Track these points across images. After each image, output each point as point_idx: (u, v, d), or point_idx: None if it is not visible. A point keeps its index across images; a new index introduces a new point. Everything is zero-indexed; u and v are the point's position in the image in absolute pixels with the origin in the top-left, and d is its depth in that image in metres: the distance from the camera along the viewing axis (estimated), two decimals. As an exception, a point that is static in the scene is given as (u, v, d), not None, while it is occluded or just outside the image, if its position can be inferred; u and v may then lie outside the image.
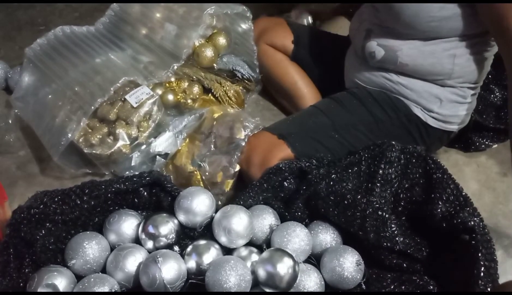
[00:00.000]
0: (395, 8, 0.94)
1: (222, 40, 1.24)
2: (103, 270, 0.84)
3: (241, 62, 1.27)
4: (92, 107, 1.03)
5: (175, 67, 1.16)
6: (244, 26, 1.22)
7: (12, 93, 1.18)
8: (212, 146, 1.06)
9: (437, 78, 0.99)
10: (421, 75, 1.00)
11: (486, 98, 1.23)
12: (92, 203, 0.88)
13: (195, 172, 1.04)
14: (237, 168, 1.03)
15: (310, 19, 1.48)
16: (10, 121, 1.15)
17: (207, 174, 1.03)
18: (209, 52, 1.22)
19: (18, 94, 1.13)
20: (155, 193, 0.92)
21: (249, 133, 1.04)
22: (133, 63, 1.17)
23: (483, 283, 0.71)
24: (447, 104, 1.01)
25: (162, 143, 1.07)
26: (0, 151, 1.12)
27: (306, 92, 1.24)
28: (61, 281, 0.79)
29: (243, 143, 1.03)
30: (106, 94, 1.04)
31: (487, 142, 1.21)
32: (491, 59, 1.02)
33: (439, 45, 0.96)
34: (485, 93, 1.23)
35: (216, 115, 1.11)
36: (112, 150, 1.03)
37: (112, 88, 1.05)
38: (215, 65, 1.26)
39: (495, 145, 1.22)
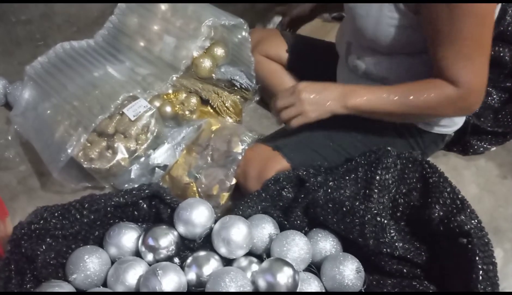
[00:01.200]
0: (357, 23, 0.95)
1: (220, 51, 1.25)
2: (104, 283, 0.84)
3: (239, 72, 1.28)
4: (93, 125, 1.03)
5: (174, 78, 1.17)
6: (241, 37, 1.23)
7: (11, 109, 1.19)
8: (209, 158, 1.07)
9: None
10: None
11: (483, 101, 1.23)
12: (92, 217, 0.89)
13: (191, 184, 1.04)
14: (234, 181, 1.03)
15: (276, 19, 1.48)
16: (9, 138, 1.16)
17: (203, 186, 1.03)
18: (207, 63, 1.23)
19: (18, 111, 1.14)
20: (154, 205, 0.93)
21: (246, 147, 1.05)
22: (132, 75, 1.18)
23: (482, 287, 0.71)
24: None
25: (161, 156, 1.08)
26: (0, 166, 1.13)
27: None
28: None
29: (240, 157, 1.03)
30: (107, 111, 1.05)
31: (485, 145, 1.21)
32: None
33: (416, 59, 0.95)
34: (482, 96, 1.23)
35: (214, 128, 1.11)
36: (111, 164, 1.03)
37: (112, 106, 1.06)
38: (213, 75, 1.26)
39: (494, 148, 1.22)
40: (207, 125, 1.12)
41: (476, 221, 0.78)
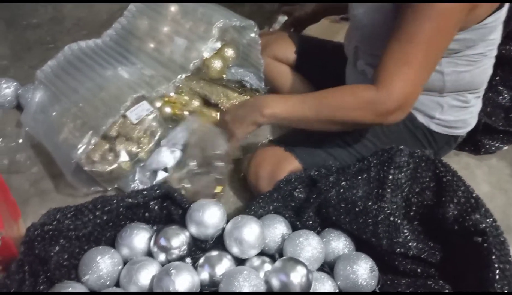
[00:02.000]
0: (363, 32, 0.94)
1: (230, 52, 1.25)
2: (117, 284, 0.84)
3: (248, 73, 1.28)
4: (103, 128, 1.03)
5: (183, 77, 1.17)
6: (250, 38, 1.23)
7: (22, 111, 1.20)
8: (199, 161, 1.04)
9: (432, 91, 0.97)
10: None
11: (494, 100, 1.23)
12: (105, 217, 0.89)
13: (184, 185, 1.02)
14: (217, 189, 1.03)
15: (281, 19, 1.47)
16: (20, 141, 1.16)
17: (192, 189, 1.01)
18: (218, 64, 1.24)
19: (29, 113, 1.14)
20: (165, 207, 0.93)
21: (222, 152, 1.03)
22: (140, 76, 1.18)
23: (499, 286, 0.70)
24: (449, 110, 1.00)
25: (160, 158, 1.07)
26: (12, 169, 1.13)
27: None
28: None
29: (219, 163, 1.02)
30: (116, 114, 1.05)
31: (497, 145, 1.20)
32: (490, 66, 0.98)
33: None
34: (493, 95, 1.22)
35: (194, 126, 1.09)
36: (112, 167, 1.03)
37: (122, 108, 1.06)
38: (224, 76, 1.27)
39: (506, 147, 1.21)
40: (189, 124, 1.11)
41: (491, 219, 0.77)
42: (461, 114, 1.01)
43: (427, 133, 1.02)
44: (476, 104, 1.03)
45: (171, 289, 0.76)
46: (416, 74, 0.81)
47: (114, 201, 0.89)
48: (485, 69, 0.97)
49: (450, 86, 0.95)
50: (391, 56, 0.81)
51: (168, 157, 1.07)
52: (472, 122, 1.05)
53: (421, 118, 1.01)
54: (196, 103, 1.20)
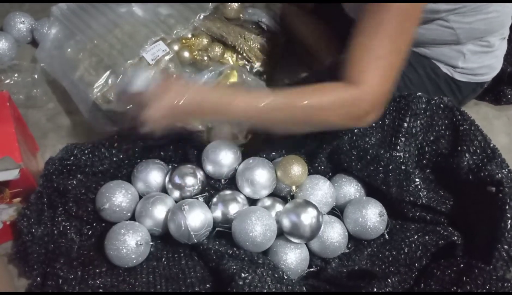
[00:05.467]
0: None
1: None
2: (132, 217, 0.87)
3: (265, 15, 1.25)
4: (122, 69, 1.03)
5: (202, 16, 1.13)
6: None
7: (37, 46, 1.19)
8: None
9: (449, 43, 0.93)
10: (432, 45, 0.95)
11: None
12: (121, 156, 0.90)
13: (202, 133, 1.02)
14: (247, 138, 1.02)
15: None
16: (36, 76, 1.16)
17: (214, 136, 1.01)
18: (235, 4, 1.20)
19: (44, 49, 1.13)
20: (181, 146, 0.94)
21: None
22: (155, 13, 1.15)
23: (510, 235, 0.70)
24: (471, 57, 0.95)
25: None
26: (29, 104, 1.14)
27: (328, 44, 1.21)
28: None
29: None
30: (136, 57, 1.04)
31: (519, 95, 1.17)
32: (506, 4, 0.91)
33: (430, 25, 0.89)
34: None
35: (232, 80, 1.07)
36: (128, 107, 1.03)
37: (141, 50, 1.05)
38: (241, 16, 1.23)
39: (528, 98, 1.18)
40: (224, 76, 1.09)
41: (507, 170, 0.76)
42: (485, 60, 0.97)
43: (451, 83, 0.99)
44: (501, 47, 0.98)
45: (183, 224, 0.79)
46: (390, 67, 0.74)
47: (131, 140, 0.90)
48: (499, 11, 0.90)
49: (465, 37, 0.91)
50: (359, 51, 0.74)
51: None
52: (498, 66, 1.01)
53: (443, 68, 0.97)
54: (218, 49, 1.17)
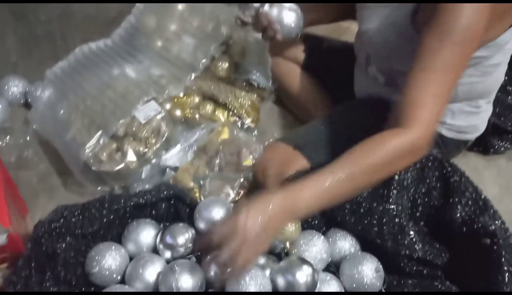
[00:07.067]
0: (369, 43, 0.91)
1: (238, 50, 1.25)
2: (122, 280, 0.84)
3: (255, 71, 1.28)
4: (113, 128, 1.04)
5: (193, 76, 1.16)
6: (257, 36, 1.23)
7: (30, 108, 1.20)
8: (217, 168, 1.05)
9: None
10: None
11: (503, 100, 1.21)
12: (111, 216, 0.89)
13: (195, 189, 1.03)
14: (239, 195, 1.03)
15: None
16: (28, 138, 1.17)
17: (206, 193, 1.02)
18: (225, 63, 1.23)
19: (37, 110, 1.15)
20: (173, 205, 0.93)
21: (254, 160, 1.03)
22: (147, 75, 1.19)
23: (508, 289, 0.69)
24: (459, 115, 0.99)
25: (172, 157, 1.07)
26: (20, 165, 1.14)
27: (319, 101, 1.24)
28: None
29: (250, 174, 1.02)
30: (127, 115, 1.05)
31: (506, 145, 1.19)
32: (503, 72, 0.97)
33: None
34: (503, 95, 1.20)
35: (222, 137, 1.10)
36: (120, 167, 1.03)
37: (133, 110, 1.06)
38: (231, 75, 1.26)
39: (515, 148, 1.20)
40: (216, 133, 1.11)
41: (500, 221, 0.76)
42: (472, 120, 1.00)
43: (437, 137, 1.01)
44: (487, 109, 1.02)
45: (174, 287, 0.76)
46: (441, 103, 0.76)
47: (121, 200, 0.90)
48: (498, 77, 0.96)
49: (462, 95, 0.94)
50: (416, 89, 0.75)
51: (181, 156, 1.07)
52: (482, 127, 1.04)
53: None
54: (209, 108, 1.19)
